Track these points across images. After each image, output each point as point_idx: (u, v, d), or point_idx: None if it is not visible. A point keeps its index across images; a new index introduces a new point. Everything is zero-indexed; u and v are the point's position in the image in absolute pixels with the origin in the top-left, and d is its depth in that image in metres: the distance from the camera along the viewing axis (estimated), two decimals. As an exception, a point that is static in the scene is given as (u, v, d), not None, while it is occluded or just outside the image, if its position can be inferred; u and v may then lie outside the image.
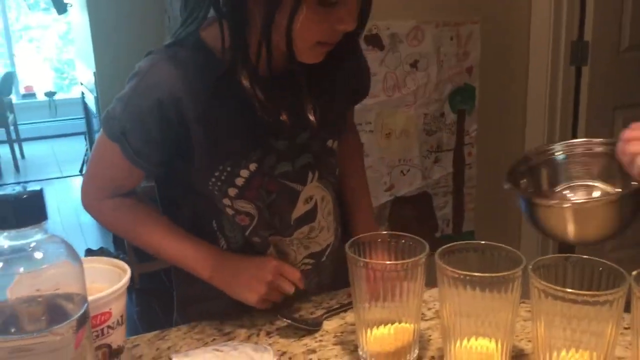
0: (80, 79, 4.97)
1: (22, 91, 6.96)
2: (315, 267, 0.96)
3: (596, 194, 0.87)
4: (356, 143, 1.11)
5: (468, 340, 0.72)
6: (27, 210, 0.54)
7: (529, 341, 0.77)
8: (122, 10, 3.70)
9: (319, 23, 0.78)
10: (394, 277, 0.72)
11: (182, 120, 0.83)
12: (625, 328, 0.69)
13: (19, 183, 5.24)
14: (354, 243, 0.77)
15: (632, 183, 0.79)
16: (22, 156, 6.00)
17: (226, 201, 0.89)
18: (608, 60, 2.38)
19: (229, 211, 0.90)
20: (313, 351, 0.80)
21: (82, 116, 5.56)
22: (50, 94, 6.93)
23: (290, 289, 0.88)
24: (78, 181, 5.41)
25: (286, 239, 0.93)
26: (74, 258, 0.57)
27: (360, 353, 0.77)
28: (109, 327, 0.68)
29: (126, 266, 0.72)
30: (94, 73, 3.85)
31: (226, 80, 0.82)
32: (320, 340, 0.82)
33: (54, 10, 4.66)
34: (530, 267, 0.67)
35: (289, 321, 0.85)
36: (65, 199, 4.91)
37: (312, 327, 0.85)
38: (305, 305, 0.92)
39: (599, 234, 0.80)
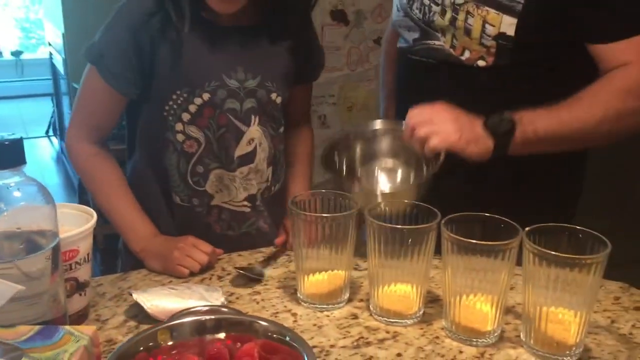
0: (48, 40, 4.94)
1: (-12, 51, 6.85)
2: (252, 210, 1.08)
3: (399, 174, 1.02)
4: (307, 135, 1.25)
5: (389, 285, 0.84)
6: (8, 155, 0.63)
7: (439, 287, 0.89)
8: (92, -28, 3.69)
9: None
10: (327, 227, 0.83)
11: (152, 46, 0.97)
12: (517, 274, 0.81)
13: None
14: (294, 200, 0.87)
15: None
16: (-13, 115, 5.94)
17: (179, 126, 1.02)
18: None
19: (180, 137, 1.03)
20: (258, 293, 0.90)
21: (50, 77, 5.54)
22: (16, 54, 6.83)
23: (203, 258, 0.96)
24: (44, 142, 5.40)
25: (229, 174, 1.05)
26: (48, 199, 0.67)
27: (299, 295, 0.88)
28: (76, 262, 0.77)
29: (92, 211, 0.82)
30: (63, 34, 3.85)
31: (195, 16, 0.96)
32: (265, 284, 0.93)
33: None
34: (443, 222, 0.78)
35: (239, 270, 0.95)
36: (30, 160, 4.88)
37: (256, 276, 0.95)
38: (255, 255, 1.03)
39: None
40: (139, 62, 0.99)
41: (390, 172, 1.07)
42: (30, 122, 5.86)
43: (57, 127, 5.07)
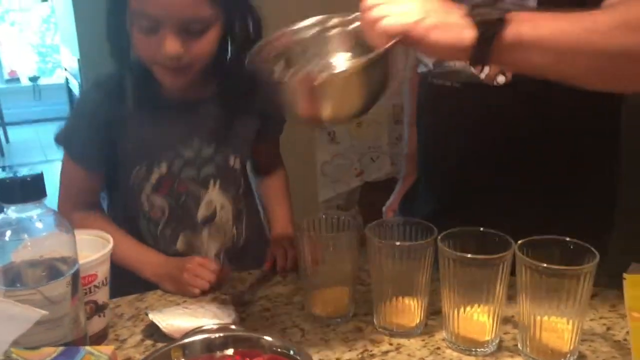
0: (64, 65, 5.05)
1: (6, 76, 7.00)
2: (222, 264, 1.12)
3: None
4: (281, 177, 1.29)
5: (392, 300, 0.88)
6: (31, 189, 0.68)
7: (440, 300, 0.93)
8: (106, -1, 3.79)
9: (146, 45, 0.98)
10: (331, 246, 0.88)
11: (112, 126, 1.05)
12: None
13: (4, 167, 5.34)
14: (299, 223, 0.92)
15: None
16: (7, 140, 6.07)
17: (143, 196, 1.10)
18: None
19: (146, 206, 1.10)
20: (268, 310, 0.95)
21: (66, 101, 5.65)
22: (34, 79, 6.99)
23: (211, 277, 1.01)
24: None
25: (195, 235, 1.13)
26: (67, 228, 0.72)
27: (306, 311, 0.92)
28: (95, 286, 0.82)
29: (109, 236, 0.87)
30: (78, 60, 3.94)
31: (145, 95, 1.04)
32: (275, 302, 0.97)
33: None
34: (440, 238, 0.82)
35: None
36: (50, 183, 5.00)
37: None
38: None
39: (347, 108, 0.78)
40: (103, 141, 1.06)
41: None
42: (49, 146, 5.97)
43: (74, 150, 5.15)
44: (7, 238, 0.68)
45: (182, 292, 1.00)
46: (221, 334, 0.68)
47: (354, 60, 0.80)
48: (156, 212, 1.11)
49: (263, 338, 0.68)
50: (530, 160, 1.03)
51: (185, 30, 0.95)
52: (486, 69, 1.02)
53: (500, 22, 0.72)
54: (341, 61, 0.87)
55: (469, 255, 0.79)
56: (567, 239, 0.79)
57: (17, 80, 7.06)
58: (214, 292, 1.00)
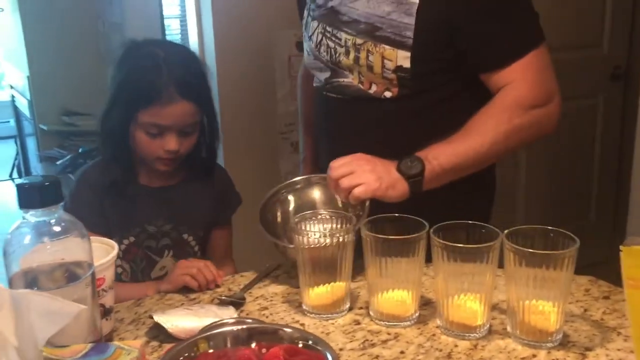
0: (9, 82, 4.93)
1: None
2: None
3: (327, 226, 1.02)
4: (229, 270, 1.31)
5: (387, 292, 0.93)
6: (48, 194, 0.70)
7: (430, 291, 0.98)
8: (55, 15, 3.75)
9: (151, 145, 1.20)
10: (328, 245, 0.92)
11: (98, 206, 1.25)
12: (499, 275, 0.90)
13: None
14: (298, 221, 0.96)
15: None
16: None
17: (117, 261, 1.19)
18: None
19: (119, 269, 1.25)
20: (266, 308, 0.98)
21: (7, 119, 5.51)
22: (-28, 98, 6.76)
23: (207, 273, 1.08)
24: (7, 185, 5.34)
25: None
26: (83, 233, 0.74)
27: (304, 307, 0.96)
28: (103, 290, 0.84)
29: (113, 243, 0.89)
30: (27, 77, 3.87)
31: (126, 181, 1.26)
32: (271, 300, 1.01)
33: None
34: (432, 231, 0.88)
35: (220, 298, 1.02)
36: (-6, 203, 4.85)
37: (238, 300, 1.01)
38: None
39: None
40: (98, 213, 1.24)
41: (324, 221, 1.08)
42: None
43: (22, 169, 5.03)
44: (26, 241, 0.70)
45: (175, 282, 1.08)
46: (242, 327, 0.71)
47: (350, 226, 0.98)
48: (124, 273, 1.27)
49: (282, 329, 0.72)
50: None
51: (182, 132, 1.22)
52: (374, 86, 1.19)
53: (420, 174, 1.05)
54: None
55: (461, 245, 0.85)
56: (549, 227, 0.86)
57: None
58: (211, 294, 1.03)
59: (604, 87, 2.95)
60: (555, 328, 0.85)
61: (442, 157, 1.07)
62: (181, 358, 0.66)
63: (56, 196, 0.71)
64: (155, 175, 1.28)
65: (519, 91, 1.11)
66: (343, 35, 1.20)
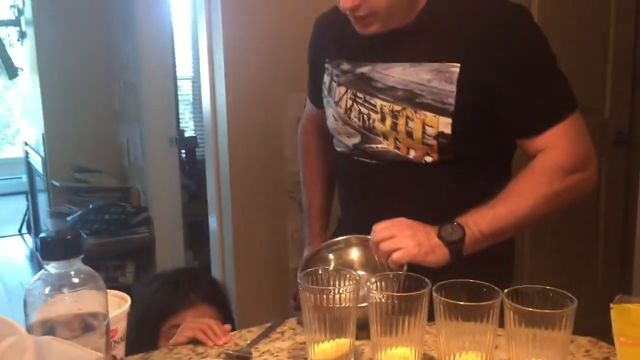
0: (24, 139, 5.05)
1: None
2: None
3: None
4: None
5: (390, 349, 0.95)
6: (70, 247, 0.74)
7: (432, 350, 1.00)
8: (72, 76, 3.88)
9: None
10: (333, 301, 0.95)
11: None
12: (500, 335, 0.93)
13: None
14: (304, 275, 0.99)
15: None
16: (-43, 215, 5.92)
17: None
18: None
19: None
20: (272, 364, 1.00)
21: (20, 175, 5.61)
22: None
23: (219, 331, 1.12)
24: (17, 241, 5.38)
25: None
26: (100, 285, 0.77)
27: (309, 362, 0.98)
28: (114, 341, 0.87)
29: (126, 296, 0.92)
30: (42, 134, 3.98)
31: None
32: (277, 355, 1.03)
33: None
34: (434, 289, 0.91)
35: (228, 352, 1.05)
36: (4, 259, 4.90)
37: (245, 355, 1.04)
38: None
39: None
40: None
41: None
42: (1, 222, 5.84)
43: (31, 225, 5.09)
44: (46, 292, 0.73)
45: (187, 333, 1.11)
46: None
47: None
48: None
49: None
50: None
51: None
52: (412, 152, 1.22)
53: (461, 240, 1.10)
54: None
55: (461, 303, 0.88)
56: (547, 287, 0.89)
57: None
58: (217, 348, 1.05)
59: (607, 152, 3.01)
60: (557, 388, 0.87)
61: (482, 223, 1.11)
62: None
63: (77, 249, 0.75)
64: None
65: (557, 156, 1.15)
66: (378, 102, 1.23)
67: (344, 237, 1.25)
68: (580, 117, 1.19)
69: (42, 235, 0.74)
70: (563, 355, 0.87)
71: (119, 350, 0.88)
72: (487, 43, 1.15)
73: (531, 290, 0.89)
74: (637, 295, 2.08)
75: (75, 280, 0.75)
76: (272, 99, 2.44)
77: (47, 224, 4.07)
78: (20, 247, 5.25)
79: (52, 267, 0.74)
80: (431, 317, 0.92)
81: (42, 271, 0.74)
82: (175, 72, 4.13)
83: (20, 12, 4.09)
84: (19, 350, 0.57)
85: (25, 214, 5.31)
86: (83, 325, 0.75)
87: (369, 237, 1.13)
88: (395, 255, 1.07)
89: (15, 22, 4.15)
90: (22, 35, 4.16)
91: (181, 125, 4.59)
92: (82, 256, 0.76)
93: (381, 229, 1.10)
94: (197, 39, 2.77)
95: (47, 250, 0.74)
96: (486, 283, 0.91)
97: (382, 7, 1.14)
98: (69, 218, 3.51)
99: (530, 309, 0.84)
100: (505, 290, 0.88)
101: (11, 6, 4.25)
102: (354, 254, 1.24)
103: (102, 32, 3.91)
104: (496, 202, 1.13)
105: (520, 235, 2.88)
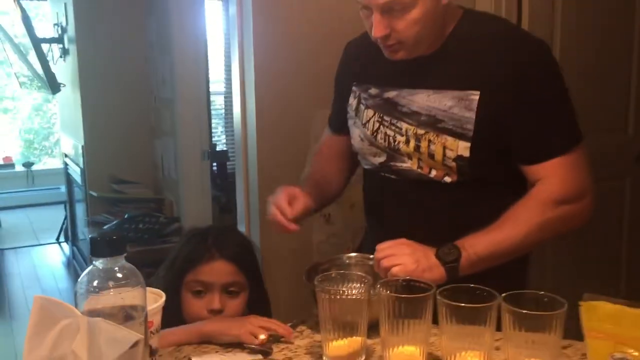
0: (64, 151, 5.27)
1: (0, 162, 7.19)
2: None
3: None
4: None
5: (398, 348, 1.04)
6: (115, 246, 0.86)
7: (438, 350, 1.09)
8: (111, 91, 4.07)
9: (194, 306, 1.31)
10: (347, 303, 1.04)
11: None
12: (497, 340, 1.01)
13: (-4, 250, 5.41)
14: (320, 279, 1.09)
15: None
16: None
17: None
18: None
19: None
20: (290, 358, 1.10)
21: (58, 186, 5.84)
22: (28, 165, 7.18)
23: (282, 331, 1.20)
24: (54, 248, 5.59)
25: None
26: (140, 280, 0.88)
27: (324, 358, 1.08)
28: (151, 332, 0.97)
29: (161, 292, 1.03)
30: (82, 146, 4.16)
31: None
32: (295, 351, 1.13)
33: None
34: (438, 292, 1.00)
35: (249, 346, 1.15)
36: (41, 265, 5.09)
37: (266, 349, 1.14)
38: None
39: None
40: None
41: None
42: (41, 230, 6.08)
43: (69, 234, 5.28)
44: (94, 284, 0.85)
45: (236, 334, 1.17)
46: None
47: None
48: None
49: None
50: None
51: (226, 291, 1.34)
52: (433, 172, 1.32)
53: (457, 261, 1.18)
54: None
55: (462, 305, 0.96)
56: (541, 292, 0.97)
57: (12, 166, 7.24)
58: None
59: (630, 170, 3.04)
60: (547, 385, 0.95)
61: (478, 246, 1.19)
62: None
63: (121, 248, 0.86)
64: None
65: (552, 187, 1.24)
66: (403, 125, 1.32)
67: (347, 254, 1.37)
68: (582, 153, 1.26)
69: (91, 235, 0.86)
70: (555, 357, 0.95)
71: (154, 340, 0.99)
72: (507, 75, 1.24)
73: (528, 295, 0.97)
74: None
75: (119, 275, 0.86)
76: (300, 114, 2.55)
77: (84, 233, 4.25)
78: (58, 255, 5.46)
79: (99, 263, 0.85)
80: (437, 320, 1.01)
81: (91, 267, 0.86)
82: (208, 87, 4.29)
83: (64, 30, 4.30)
84: (75, 329, 0.68)
85: (63, 223, 5.51)
86: (124, 316, 0.86)
87: (371, 255, 1.24)
88: (394, 270, 1.15)
89: (59, 40, 4.36)
90: (65, 52, 4.37)
91: (213, 139, 4.75)
92: (125, 254, 0.87)
93: (383, 248, 1.20)
94: (230, 55, 2.89)
95: (96, 249, 0.85)
96: (486, 288, 1.00)
97: (411, 37, 1.23)
98: (105, 227, 3.67)
99: (524, 311, 0.93)
100: (503, 295, 0.97)
101: (55, 24, 4.47)
102: (356, 269, 1.32)
103: (140, 49, 4.10)
104: (493, 228, 1.22)
105: (542, 249, 2.94)
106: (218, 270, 1.33)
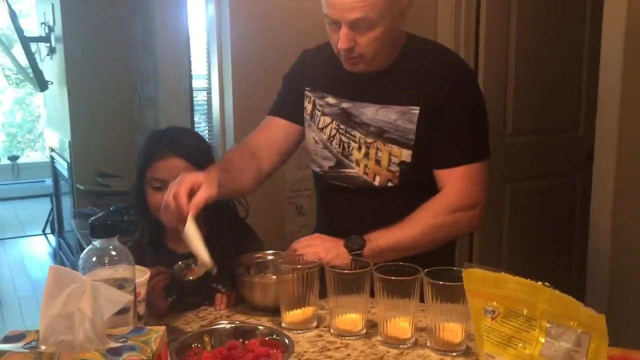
0: (50, 145, 5.43)
1: (-16, 155, 7.32)
2: None
3: None
4: None
5: (343, 315, 1.26)
6: (110, 227, 1.07)
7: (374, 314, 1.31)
8: (97, 89, 4.24)
9: (155, 198, 1.45)
10: (300, 279, 1.27)
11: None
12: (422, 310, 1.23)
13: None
14: (281, 259, 1.31)
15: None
16: (-15, 217, 6.32)
17: None
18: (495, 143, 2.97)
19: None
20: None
21: (43, 179, 5.99)
22: (13, 158, 7.32)
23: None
24: (40, 239, 5.76)
25: None
26: (130, 258, 1.09)
27: (283, 324, 1.30)
28: (139, 300, 1.18)
29: (147, 270, 1.24)
30: (69, 142, 4.34)
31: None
32: (260, 320, 1.34)
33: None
34: (374, 269, 1.22)
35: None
36: (28, 256, 5.26)
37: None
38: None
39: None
40: None
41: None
42: (27, 222, 6.23)
43: (55, 226, 5.45)
44: (93, 260, 1.06)
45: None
46: (232, 325, 1.05)
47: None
48: None
49: (257, 328, 1.06)
50: None
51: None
52: (377, 178, 1.53)
53: (360, 250, 1.37)
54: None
55: (393, 278, 1.19)
56: (455, 268, 1.19)
57: (-6, 158, 7.36)
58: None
59: (581, 168, 3.27)
60: (460, 341, 1.18)
61: (381, 239, 1.40)
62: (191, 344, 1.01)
63: (115, 230, 1.07)
64: (178, 238, 1.38)
65: (449, 195, 1.46)
66: (357, 134, 1.52)
67: (262, 252, 1.54)
68: (484, 167, 1.48)
69: (91, 219, 1.07)
70: (467, 319, 1.17)
71: (141, 308, 1.20)
72: (440, 94, 1.46)
73: (440, 271, 1.18)
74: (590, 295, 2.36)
75: (113, 253, 1.07)
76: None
77: (71, 225, 4.42)
78: (44, 246, 5.63)
79: (97, 243, 1.06)
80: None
81: (90, 246, 1.07)
82: (191, 84, 4.47)
83: (51, 29, 4.46)
84: (81, 291, 0.88)
85: (49, 215, 5.67)
86: (117, 286, 1.07)
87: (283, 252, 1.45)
88: (308, 254, 1.35)
89: (46, 39, 4.52)
90: (52, 50, 4.53)
91: (196, 134, 4.90)
92: (117, 236, 1.08)
93: (300, 240, 1.42)
94: (210, 54, 3.09)
95: (94, 230, 1.06)
96: (413, 265, 1.22)
97: (370, 51, 1.43)
98: (92, 219, 3.84)
99: (441, 283, 1.15)
100: (425, 270, 1.19)
101: (42, 23, 4.63)
102: (270, 263, 1.49)
103: (124, 49, 4.28)
104: (397, 225, 1.42)
105: (499, 238, 3.16)
106: (171, 167, 1.47)
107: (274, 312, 1.34)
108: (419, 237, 1.43)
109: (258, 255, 1.52)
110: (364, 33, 1.40)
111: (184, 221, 1.29)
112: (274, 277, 1.39)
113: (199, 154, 1.52)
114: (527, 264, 3.17)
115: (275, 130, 1.66)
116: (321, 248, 1.38)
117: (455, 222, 1.46)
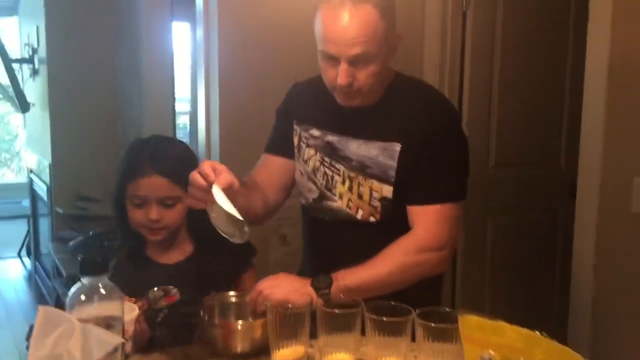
0: (29, 166, 5.35)
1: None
2: None
3: None
4: None
5: (333, 355, 1.25)
6: (99, 266, 1.05)
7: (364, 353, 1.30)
8: (79, 111, 4.21)
9: (136, 214, 1.46)
10: (291, 318, 1.25)
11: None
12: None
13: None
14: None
15: None
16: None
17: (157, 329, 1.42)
18: (479, 175, 2.99)
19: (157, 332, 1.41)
20: (242, 363, 1.30)
21: (19, 200, 5.89)
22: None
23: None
24: (15, 262, 5.63)
25: None
26: (119, 295, 1.07)
27: (272, 363, 1.28)
28: (125, 339, 1.16)
29: (135, 306, 1.22)
30: (50, 164, 4.28)
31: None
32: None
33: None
34: (365, 310, 1.21)
35: None
36: (3, 279, 5.15)
37: None
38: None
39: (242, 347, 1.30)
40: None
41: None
42: (1, 244, 6.08)
43: (31, 248, 5.34)
44: (82, 298, 1.03)
45: None
46: None
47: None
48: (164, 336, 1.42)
49: None
50: None
51: (163, 204, 1.46)
52: (360, 212, 1.52)
53: (328, 289, 1.34)
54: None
55: (385, 319, 1.18)
56: (447, 309, 1.19)
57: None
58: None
59: (563, 202, 3.29)
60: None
61: (348, 278, 1.37)
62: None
63: (104, 268, 1.05)
64: (162, 250, 1.49)
65: (418, 234, 1.45)
66: (341, 167, 1.51)
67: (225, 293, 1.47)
68: (456, 209, 1.47)
69: (80, 256, 1.05)
70: (459, 355, 1.17)
71: (128, 346, 1.18)
72: (422, 133, 1.46)
73: (434, 312, 1.18)
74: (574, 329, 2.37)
75: (102, 291, 1.05)
76: (260, 136, 2.75)
77: (48, 247, 4.35)
78: (19, 269, 5.51)
79: (85, 280, 1.04)
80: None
81: (78, 283, 1.04)
82: (174, 107, 4.46)
83: (35, 51, 4.43)
84: (70, 332, 0.86)
85: (26, 238, 5.56)
86: (105, 324, 1.05)
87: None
88: (272, 297, 1.30)
89: (29, 61, 4.49)
90: (35, 72, 4.49)
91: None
92: (108, 274, 1.06)
93: (265, 280, 1.38)
94: (195, 78, 3.06)
95: (83, 268, 1.04)
96: (405, 305, 1.21)
97: (367, 85, 1.43)
98: (71, 243, 3.79)
99: (433, 325, 1.14)
100: (417, 310, 1.18)
101: (25, 44, 4.60)
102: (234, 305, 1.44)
103: (108, 71, 4.26)
104: (366, 263, 1.40)
105: (481, 273, 3.16)
106: (152, 185, 1.45)
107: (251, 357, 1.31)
108: (387, 277, 1.40)
109: (220, 297, 1.45)
110: (363, 68, 1.40)
111: (209, 198, 1.27)
112: (261, 319, 1.32)
113: (183, 170, 1.39)
114: (508, 298, 3.21)
115: (273, 169, 1.66)
116: (288, 288, 1.34)
117: (425, 261, 1.45)
